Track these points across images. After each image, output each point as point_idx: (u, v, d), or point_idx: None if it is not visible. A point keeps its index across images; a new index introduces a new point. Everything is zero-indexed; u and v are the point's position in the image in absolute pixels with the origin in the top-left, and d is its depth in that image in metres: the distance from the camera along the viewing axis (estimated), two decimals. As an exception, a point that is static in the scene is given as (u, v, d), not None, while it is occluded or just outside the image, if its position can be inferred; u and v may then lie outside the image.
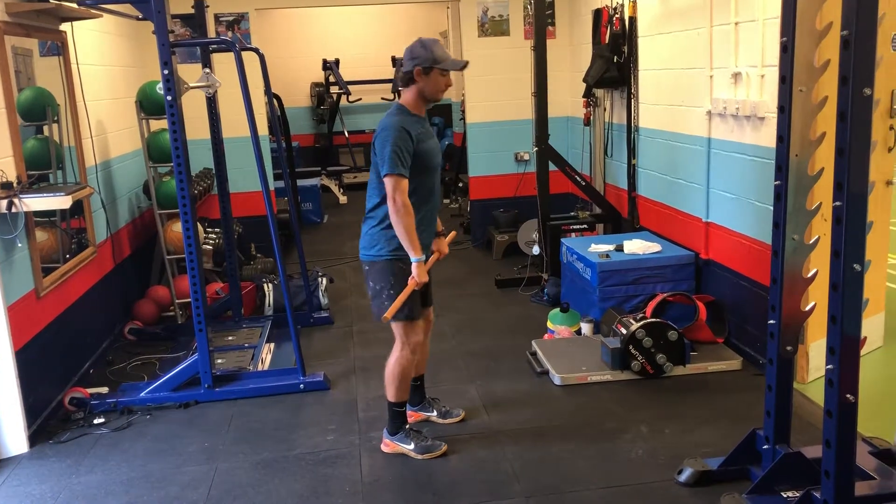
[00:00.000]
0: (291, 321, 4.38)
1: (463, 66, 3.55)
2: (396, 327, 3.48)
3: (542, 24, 5.76)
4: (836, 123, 2.36)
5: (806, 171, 2.79)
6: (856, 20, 2.26)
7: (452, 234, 3.81)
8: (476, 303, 5.80)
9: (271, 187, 6.52)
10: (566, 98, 7.30)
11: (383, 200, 3.36)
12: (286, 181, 5.62)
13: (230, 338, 5.17)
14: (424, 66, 3.36)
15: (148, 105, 5.45)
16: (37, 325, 4.03)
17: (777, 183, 2.82)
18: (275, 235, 4.37)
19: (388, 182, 3.26)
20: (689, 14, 4.80)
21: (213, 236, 6.04)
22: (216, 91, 4.91)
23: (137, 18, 4.35)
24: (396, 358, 3.51)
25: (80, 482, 3.47)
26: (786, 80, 2.73)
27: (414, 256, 3.31)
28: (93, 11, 4.60)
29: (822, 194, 2.80)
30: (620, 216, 6.02)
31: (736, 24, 4.24)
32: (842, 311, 2.42)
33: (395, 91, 11.82)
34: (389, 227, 3.35)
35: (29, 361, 3.86)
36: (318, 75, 11.87)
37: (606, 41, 5.88)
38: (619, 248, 5.03)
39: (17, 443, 3.76)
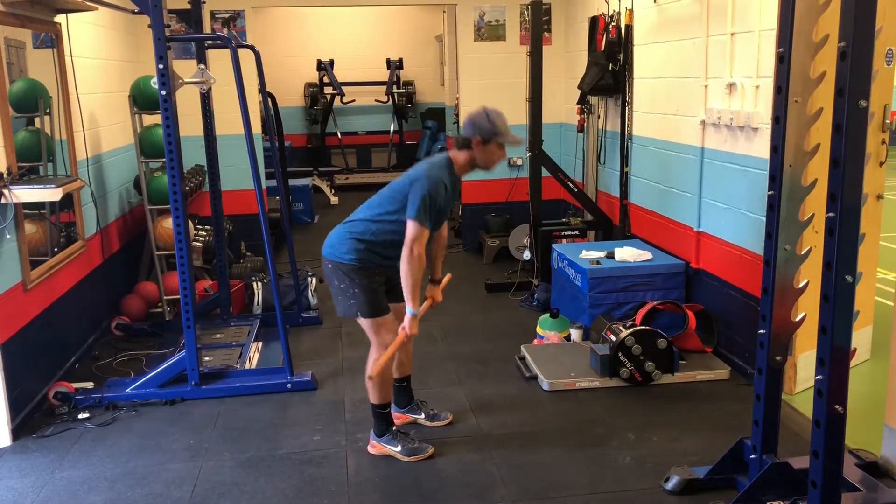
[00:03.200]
0: (280, 320, 4.36)
1: (521, 141, 3.58)
2: (366, 327, 3.47)
3: (538, 30, 5.77)
4: (832, 135, 2.37)
5: (799, 182, 2.80)
6: (853, 32, 2.27)
7: (447, 277, 3.79)
8: (466, 306, 5.80)
9: (263, 186, 6.49)
10: (560, 104, 7.31)
11: (374, 223, 3.39)
12: (278, 180, 5.60)
13: (218, 335, 5.15)
14: (485, 138, 3.36)
15: (141, 100, 5.43)
16: (23, 317, 4.00)
17: (770, 193, 2.83)
18: (266, 234, 4.35)
19: (412, 228, 3.26)
20: (685, 24, 4.82)
21: (203, 233, 6.01)
22: (210, 87, 4.90)
23: (133, 12, 4.33)
24: (374, 360, 3.50)
25: (63, 477, 3.44)
26: (781, 91, 2.74)
27: (411, 309, 3.35)
28: (88, 4, 4.58)
29: (815, 205, 2.82)
30: (612, 223, 6.03)
31: (732, 34, 4.25)
32: (832, 321, 2.42)
33: (389, 93, 11.90)
34: (361, 241, 3.38)
35: (14, 354, 3.82)
36: (313, 75, 11.85)
37: (602, 49, 5.90)
38: (610, 255, 5.04)
39: (0, 436, 3.72)
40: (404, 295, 3.35)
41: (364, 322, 3.46)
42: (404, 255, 3.28)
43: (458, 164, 3.45)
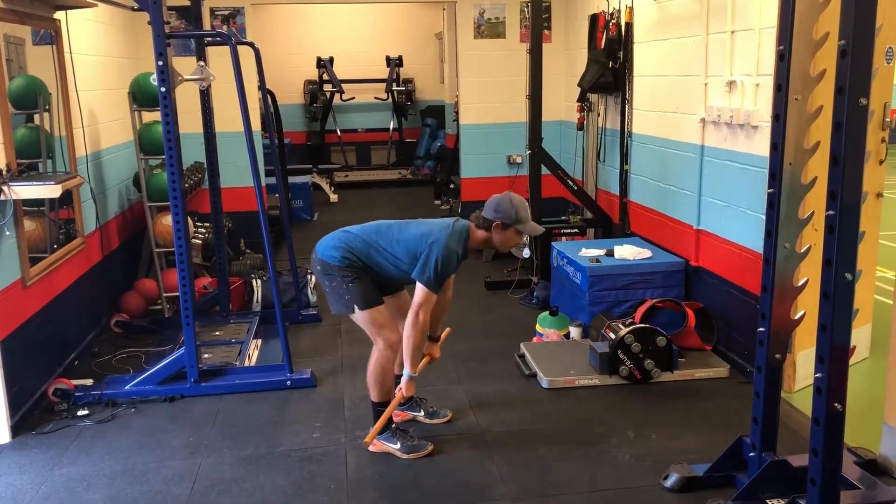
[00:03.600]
0: (280, 317, 4.36)
1: (541, 233, 3.65)
2: (364, 322, 3.49)
3: (538, 27, 5.76)
4: (832, 133, 2.37)
5: (799, 180, 2.80)
6: (853, 30, 2.27)
7: (446, 331, 3.84)
8: (465, 305, 5.79)
9: (263, 183, 6.50)
10: (560, 102, 7.31)
11: (374, 249, 3.43)
12: (278, 178, 5.60)
13: (217, 333, 5.14)
14: (505, 223, 3.39)
15: (141, 97, 5.42)
16: (22, 314, 4.00)
17: (770, 191, 2.83)
18: (265, 231, 4.34)
19: (421, 293, 3.34)
20: (685, 22, 4.82)
21: (203, 230, 6.01)
22: (210, 84, 4.89)
23: (132, 9, 4.33)
24: (376, 357, 3.52)
25: (62, 474, 3.44)
26: (781, 89, 2.74)
27: (408, 372, 3.43)
28: (88, 0, 4.57)
29: (815, 203, 2.81)
30: (611, 221, 6.03)
31: (732, 32, 4.25)
32: (832, 319, 2.42)
33: (389, 91, 11.89)
34: (356, 255, 3.43)
35: (13, 351, 3.82)
36: (312, 73, 11.84)
37: (602, 46, 5.90)
38: (610, 254, 5.04)
39: (0, 433, 3.72)
40: (404, 356, 3.44)
41: (361, 316, 3.47)
42: (410, 320, 3.36)
43: (475, 240, 3.49)
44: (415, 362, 3.44)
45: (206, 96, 5.05)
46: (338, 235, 3.52)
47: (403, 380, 3.47)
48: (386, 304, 3.54)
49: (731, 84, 4.29)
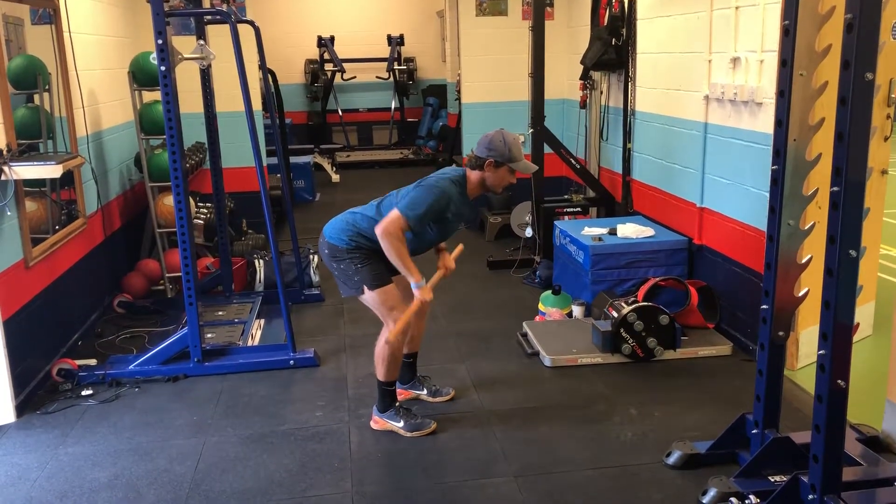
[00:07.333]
0: (282, 297, 4.36)
1: (535, 170, 3.59)
2: (375, 303, 3.46)
3: (540, 4, 5.71)
4: (837, 108, 2.34)
5: (804, 157, 2.78)
6: (860, 4, 2.24)
7: (459, 248, 3.77)
8: (468, 284, 5.79)
9: (264, 163, 6.48)
10: (563, 80, 7.26)
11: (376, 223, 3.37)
12: (279, 158, 5.58)
13: (220, 313, 5.15)
14: (498, 161, 3.36)
15: (141, 76, 5.39)
16: (25, 295, 4.00)
17: (774, 167, 2.81)
18: (267, 211, 4.34)
19: (395, 216, 3.25)
20: (689, -3, 4.77)
21: (205, 211, 6.00)
22: (210, 64, 4.86)
23: (131, -13, 4.29)
24: (386, 338, 3.50)
25: (67, 453, 3.46)
26: (786, 64, 2.71)
27: (414, 282, 3.34)
28: (86, -21, 4.54)
29: (819, 180, 2.80)
30: (614, 200, 6.01)
31: (736, 8, 4.21)
32: (836, 296, 2.41)
33: (390, 70, 11.82)
34: (363, 236, 3.39)
35: (17, 331, 3.83)
36: (313, 52, 11.78)
37: (605, 23, 5.84)
38: (613, 232, 5.02)
39: (4, 412, 3.74)
40: (400, 270, 3.36)
41: (371, 297, 3.44)
42: (379, 230, 3.26)
43: (471, 183, 3.46)
44: (412, 269, 3.31)
45: (206, 76, 5.02)
46: (344, 217, 3.50)
47: (415, 291, 3.37)
48: (395, 283, 3.52)
49: (735, 60, 4.25)
